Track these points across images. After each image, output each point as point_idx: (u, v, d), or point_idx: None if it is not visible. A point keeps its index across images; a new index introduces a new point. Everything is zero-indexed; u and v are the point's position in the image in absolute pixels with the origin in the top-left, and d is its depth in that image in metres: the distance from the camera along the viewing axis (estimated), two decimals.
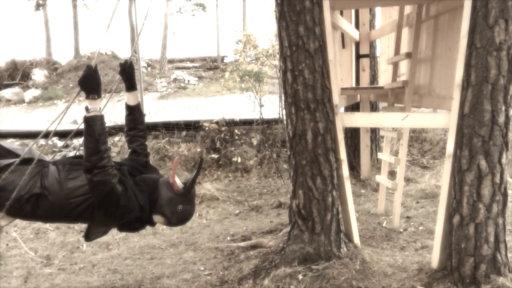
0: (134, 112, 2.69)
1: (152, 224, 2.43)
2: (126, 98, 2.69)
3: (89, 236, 2.50)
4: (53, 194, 2.23)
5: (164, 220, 2.37)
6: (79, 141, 7.22)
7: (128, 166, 2.45)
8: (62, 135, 7.56)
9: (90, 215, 2.29)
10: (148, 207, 2.32)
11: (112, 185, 2.16)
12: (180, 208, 2.34)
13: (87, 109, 2.17)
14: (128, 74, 2.63)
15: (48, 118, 10.93)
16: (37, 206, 2.24)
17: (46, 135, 2.43)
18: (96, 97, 2.18)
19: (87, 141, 2.16)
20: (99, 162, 2.14)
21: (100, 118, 2.19)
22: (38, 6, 18.65)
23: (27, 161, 2.29)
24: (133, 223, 2.33)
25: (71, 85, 15.45)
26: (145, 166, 2.61)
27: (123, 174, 2.31)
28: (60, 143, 7.25)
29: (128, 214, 2.25)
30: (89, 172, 2.14)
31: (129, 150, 2.71)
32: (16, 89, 14.92)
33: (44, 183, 2.25)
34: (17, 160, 2.27)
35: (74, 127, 8.88)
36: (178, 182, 2.35)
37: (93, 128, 2.15)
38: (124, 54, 18.41)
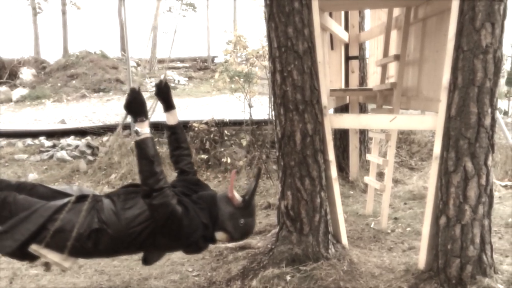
0: (176, 131, 2.66)
1: (214, 241, 2.37)
2: (166, 118, 2.65)
3: (147, 260, 2.44)
4: (112, 227, 2.17)
5: (227, 236, 2.32)
6: (66, 141, 7.15)
7: (181, 187, 2.40)
8: (49, 134, 7.48)
9: (152, 242, 2.24)
10: (210, 224, 2.26)
11: (172, 205, 2.12)
12: (242, 222, 2.28)
13: (137, 132, 2.13)
14: (165, 94, 2.59)
15: (36, 118, 10.80)
16: (98, 242, 2.18)
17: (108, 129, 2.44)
18: (144, 119, 2.15)
19: (142, 164, 2.12)
20: (156, 184, 2.09)
21: (151, 139, 2.17)
22: (36, 10, 18.39)
23: (80, 198, 2.23)
24: (198, 242, 2.27)
25: (59, 84, 15.31)
26: (197, 184, 2.55)
27: (179, 195, 2.25)
28: (47, 143, 7.17)
29: (193, 234, 2.20)
30: (148, 197, 2.10)
31: (177, 171, 2.65)
32: (3, 88, 14.75)
33: (101, 217, 2.18)
34: (73, 198, 2.21)
35: (61, 126, 8.83)
36: (237, 196, 2.31)
37: (146, 150, 2.12)
38: (113, 53, 18.34)
